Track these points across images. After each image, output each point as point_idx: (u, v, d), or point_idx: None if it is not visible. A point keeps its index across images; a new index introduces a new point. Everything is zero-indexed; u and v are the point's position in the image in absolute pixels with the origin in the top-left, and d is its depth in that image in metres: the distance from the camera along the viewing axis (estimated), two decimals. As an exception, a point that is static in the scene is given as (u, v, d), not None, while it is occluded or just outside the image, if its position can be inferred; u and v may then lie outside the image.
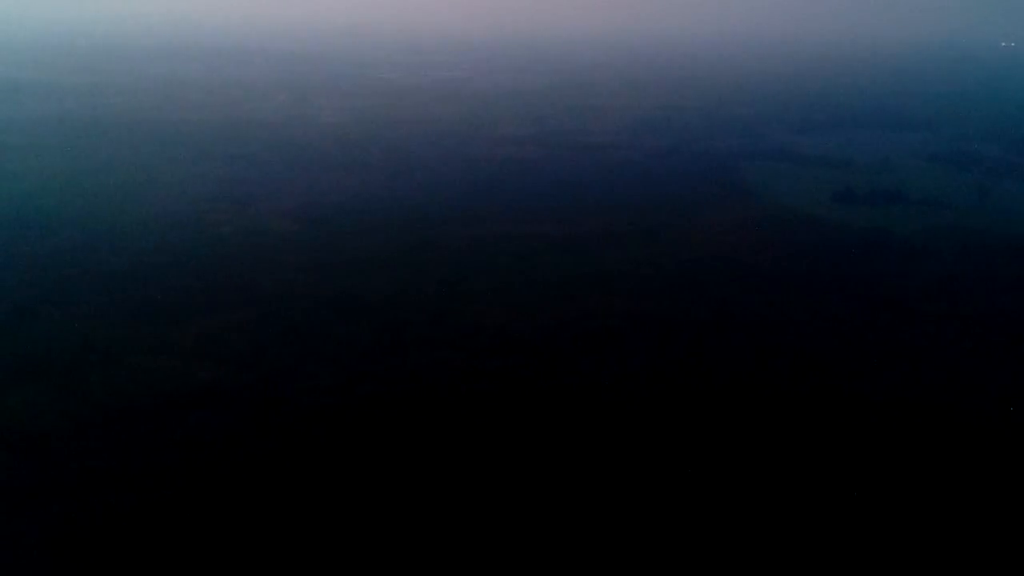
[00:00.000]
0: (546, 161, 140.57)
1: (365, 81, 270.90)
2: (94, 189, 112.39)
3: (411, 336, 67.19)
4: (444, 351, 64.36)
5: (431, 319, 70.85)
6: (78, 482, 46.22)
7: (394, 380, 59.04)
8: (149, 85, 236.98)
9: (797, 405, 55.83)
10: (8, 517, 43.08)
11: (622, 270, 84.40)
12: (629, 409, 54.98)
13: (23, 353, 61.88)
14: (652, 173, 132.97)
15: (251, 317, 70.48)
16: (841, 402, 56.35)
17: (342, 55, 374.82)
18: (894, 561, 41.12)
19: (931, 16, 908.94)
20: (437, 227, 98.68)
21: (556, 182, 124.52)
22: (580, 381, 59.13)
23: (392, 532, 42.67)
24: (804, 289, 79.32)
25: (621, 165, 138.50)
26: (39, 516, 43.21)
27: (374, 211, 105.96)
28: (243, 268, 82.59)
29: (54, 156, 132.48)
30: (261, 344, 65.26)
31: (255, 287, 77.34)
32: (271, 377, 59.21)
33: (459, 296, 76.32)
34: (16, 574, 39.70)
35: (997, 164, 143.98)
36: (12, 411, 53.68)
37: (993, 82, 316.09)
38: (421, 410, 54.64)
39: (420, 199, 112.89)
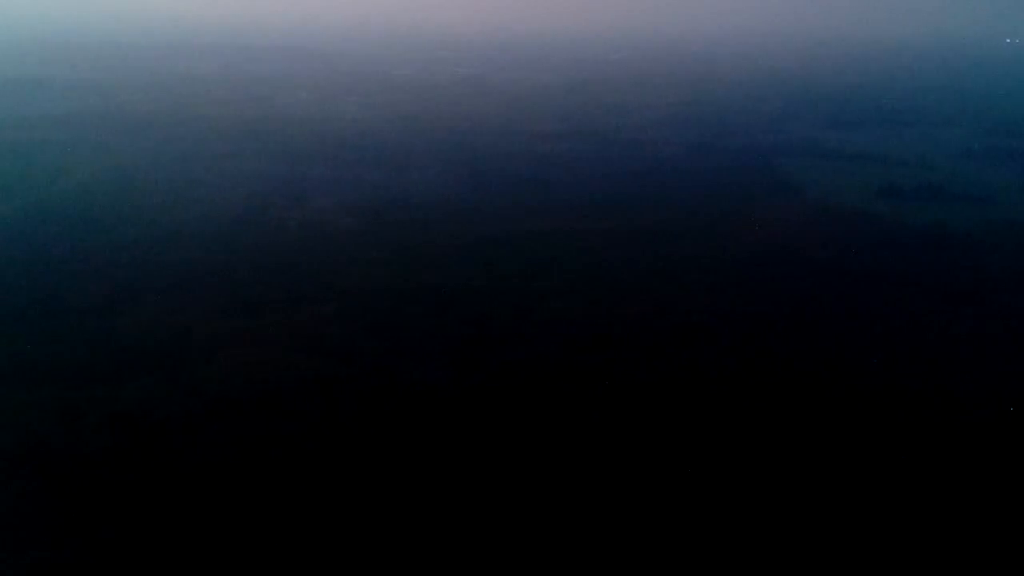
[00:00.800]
0: (589, 157, 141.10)
1: (381, 78, 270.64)
2: (147, 185, 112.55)
3: (498, 330, 67.56)
4: (537, 346, 64.74)
5: (514, 313, 71.24)
6: (199, 474, 46.45)
7: (499, 374, 59.37)
8: (168, 81, 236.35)
9: (909, 404, 56.14)
10: (135, 509, 43.39)
11: (688, 265, 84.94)
12: (741, 406, 55.36)
13: (127, 346, 62.09)
14: (695, 168, 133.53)
15: (337, 310, 70.91)
16: (953, 402, 56.65)
17: (350, 52, 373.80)
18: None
19: (930, 13, 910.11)
20: (495, 222, 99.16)
21: (604, 177, 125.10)
22: (684, 377, 59.46)
23: (523, 520, 43.10)
24: (877, 283, 79.93)
25: (663, 160, 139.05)
26: (165, 510, 43.49)
27: (429, 206, 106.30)
28: (317, 262, 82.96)
29: (97, 152, 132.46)
30: (354, 337, 65.68)
31: (334, 281, 77.67)
32: (376, 370, 59.64)
33: (535, 291, 76.70)
34: (142, 564, 40.01)
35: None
36: (129, 401, 53.92)
37: (1007, 79, 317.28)
38: (533, 405, 55.00)
39: (472, 194, 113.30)
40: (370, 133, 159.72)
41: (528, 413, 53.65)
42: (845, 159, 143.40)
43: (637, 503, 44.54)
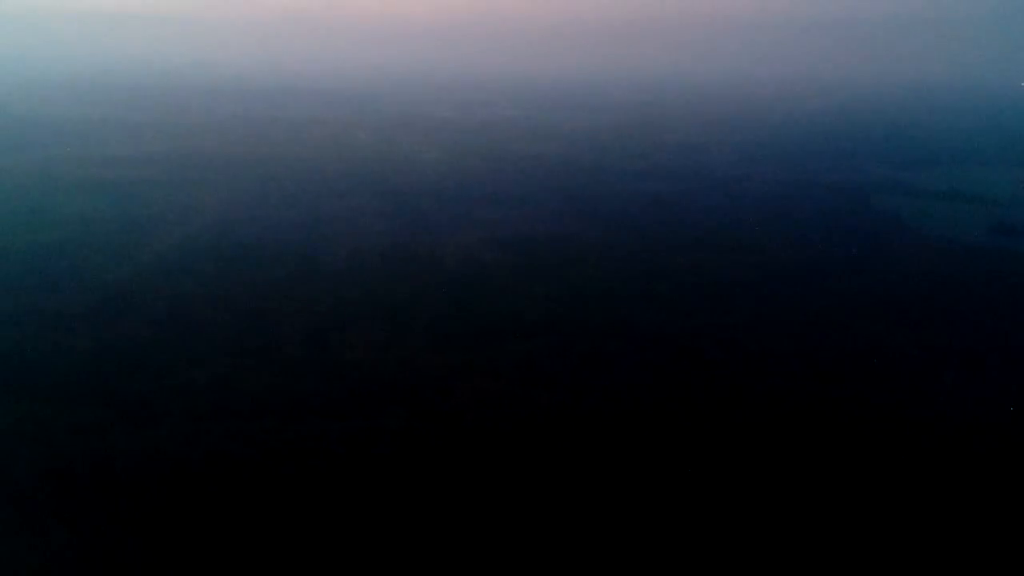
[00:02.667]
0: (691, 194, 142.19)
1: (426, 119, 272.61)
2: (282, 223, 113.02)
3: (709, 362, 67.73)
4: (775, 376, 64.79)
5: (723, 347, 71.30)
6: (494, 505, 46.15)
7: (730, 402, 59.40)
8: (229, 124, 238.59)
9: None
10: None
11: (853, 300, 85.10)
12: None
13: (363, 377, 62.00)
14: (803, 205, 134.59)
15: (545, 345, 70.88)
16: None
17: (382, 94, 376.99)
18: None
19: (945, 56, 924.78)
20: (643, 257, 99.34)
21: (717, 214, 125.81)
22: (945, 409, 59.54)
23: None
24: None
25: (765, 198, 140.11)
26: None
27: (565, 242, 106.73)
28: (494, 296, 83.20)
29: (208, 191, 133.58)
30: (576, 370, 65.59)
31: (523, 315, 77.74)
32: (607, 400, 59.47)
33: (732, 324, 76.78)
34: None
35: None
36: (397, 432, 53.72)
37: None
38: (784, 438, 54.94)
39: (598, 231, 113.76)
40: (457, 172, 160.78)
41: (776, 445, 53.53)
42: (941, 198, 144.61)
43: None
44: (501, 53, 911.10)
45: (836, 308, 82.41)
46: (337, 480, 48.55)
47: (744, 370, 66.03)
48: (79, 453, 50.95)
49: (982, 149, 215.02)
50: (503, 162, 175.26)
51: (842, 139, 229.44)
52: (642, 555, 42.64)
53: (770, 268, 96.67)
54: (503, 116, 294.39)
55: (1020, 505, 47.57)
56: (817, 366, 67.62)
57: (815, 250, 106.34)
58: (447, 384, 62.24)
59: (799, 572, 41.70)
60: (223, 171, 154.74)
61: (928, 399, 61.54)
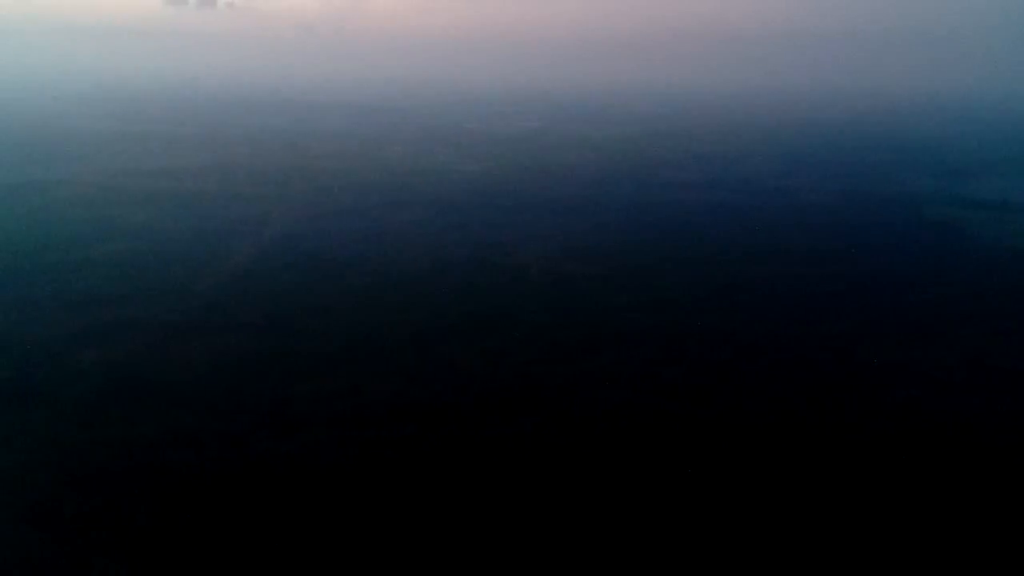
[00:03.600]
0: (754, 205, 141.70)
1: (454, 131, 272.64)
2: (353, 235, 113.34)
3: (855, 378, 67.35)
4: (910, 390, 64.76)
5: (835, 360, 70.91)
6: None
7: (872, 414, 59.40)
8: (263, 136, 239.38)
9: None
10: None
11: (943, 309, 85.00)
12: None
13: (505, 386, 62.10)
14: (863, 216, 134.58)
15: (653, 353, 70.89)
16: None
17: (403, 108, 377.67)
18: None
19: (953, 68, 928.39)
20: (719, 267, 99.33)
21: (781, 224, 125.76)
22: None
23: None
24: None
25: (825, 208, 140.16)
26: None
27: (641, 250, 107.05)
28: (586, 306, 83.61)
29: (265, 203, 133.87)
30: (691, 378, 65.68)
31: (616, 323, 77.76)
32: (737, 411, 59.60)
33: (821, 333, 76.78)
34: None
35: None
36: (550, 441, 53.69)
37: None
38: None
39: (662, 241, 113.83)
40: (503, 183, 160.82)
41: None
42: (993, 208, 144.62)
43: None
44: (513, 67, 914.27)
45: (932, 318, 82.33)
46: (490, 484, 48.42)
47: (869, 381, 65.76)
48: (238, 459, 50.90)
49: (1018, 158, 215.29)
50: (546, 173, 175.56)
51: (878, 150, 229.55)
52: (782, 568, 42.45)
53: (852, 277, 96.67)
54: (529, 128, 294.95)
55: None
56: (935, 376, 67.47)
57: (890, 260, 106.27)
58: (572, 392, 62.17)
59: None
60: (274, 183, 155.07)
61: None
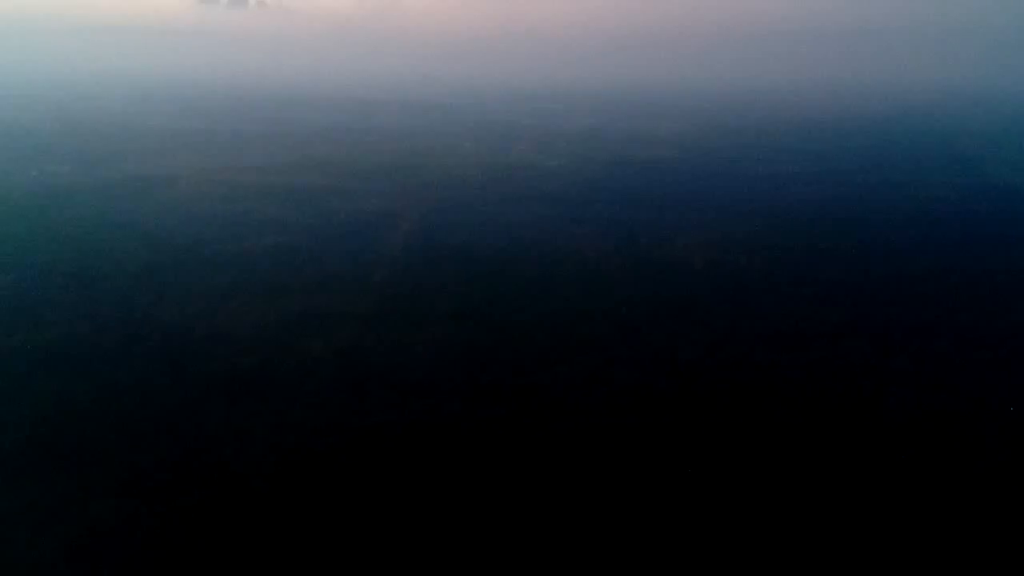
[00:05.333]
0: (865, 197, 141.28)
1: (518, 128, 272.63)
2: (490, 228, 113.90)
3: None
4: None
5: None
6: None
7: None
8: (335, 134, 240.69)
9: None
10: None
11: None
12: None
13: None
14: (996, 211, 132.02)
15: (873, 344, 70.91)
16: None
17: (455, 105, 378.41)
18: None
19: (978, 62, 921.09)
20: (876, 262, 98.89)
21: (921, 220, 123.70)
22: None
23: None
24: None
25: (950, 201, 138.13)
26: None
27: (793, 242, 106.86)
28: (773, 298, 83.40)
29: (382, 198, 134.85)
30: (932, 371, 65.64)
31: (814, 317, 77.84)
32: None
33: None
34: None
35: None
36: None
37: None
38: None
39: (811, 231, 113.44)
40: (599, 178, 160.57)
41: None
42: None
43: None
44: (546, 64, 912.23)
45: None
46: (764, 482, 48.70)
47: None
48: (505, 443, 51.28)
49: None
50: (639, 168, 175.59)
51: (948, 143, 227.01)
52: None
53: None
54: (586, 124, 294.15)
55: None
56: None
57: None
58: (819, 383, 62.25)
59: None
60: (377, 177, 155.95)
61: None
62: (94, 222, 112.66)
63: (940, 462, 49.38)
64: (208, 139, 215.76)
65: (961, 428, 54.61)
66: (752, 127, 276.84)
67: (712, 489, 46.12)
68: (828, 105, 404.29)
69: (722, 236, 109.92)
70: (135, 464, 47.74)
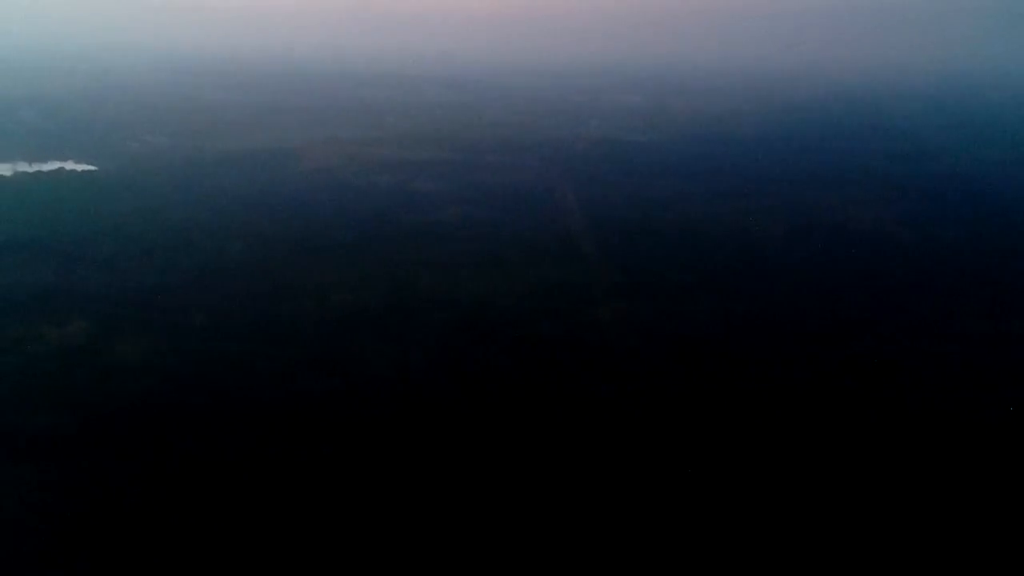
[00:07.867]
0: (959, 175, 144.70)
1: (576, 105, 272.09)
2: (643, 201, 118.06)
3: None
4: None
5: None
6: None
7: None
8: (402, 108, 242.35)
9: None
10: None
11: None
12: None
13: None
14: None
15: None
16: None
17: (501, 84, 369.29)
18: None
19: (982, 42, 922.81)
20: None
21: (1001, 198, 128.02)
22: None
23: None
24: None
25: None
26: None
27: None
28: (936, 273, 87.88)
29: (534, 173, 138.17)
30: None
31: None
32: None
33: None
34: None
35: None
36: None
37: None
38: None
39: (939, 211, 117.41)
40: (700, 157, 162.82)
41: None
42: None
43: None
44: (572, 42, 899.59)
45: None
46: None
47: None
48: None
49: None
50: (731, 144, 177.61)
51: (991, 123, 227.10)
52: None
53: None
54: (636, 102, 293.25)
55: None
56: None
57: None
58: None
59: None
60: (493, 153, 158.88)
61: None
62: (257, 194, 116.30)
63: None
64: (297, 114, 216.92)
65: None
66: (785, 105, 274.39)
67: None
68: (863, 81, 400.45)
69: (874, 214, 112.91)
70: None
